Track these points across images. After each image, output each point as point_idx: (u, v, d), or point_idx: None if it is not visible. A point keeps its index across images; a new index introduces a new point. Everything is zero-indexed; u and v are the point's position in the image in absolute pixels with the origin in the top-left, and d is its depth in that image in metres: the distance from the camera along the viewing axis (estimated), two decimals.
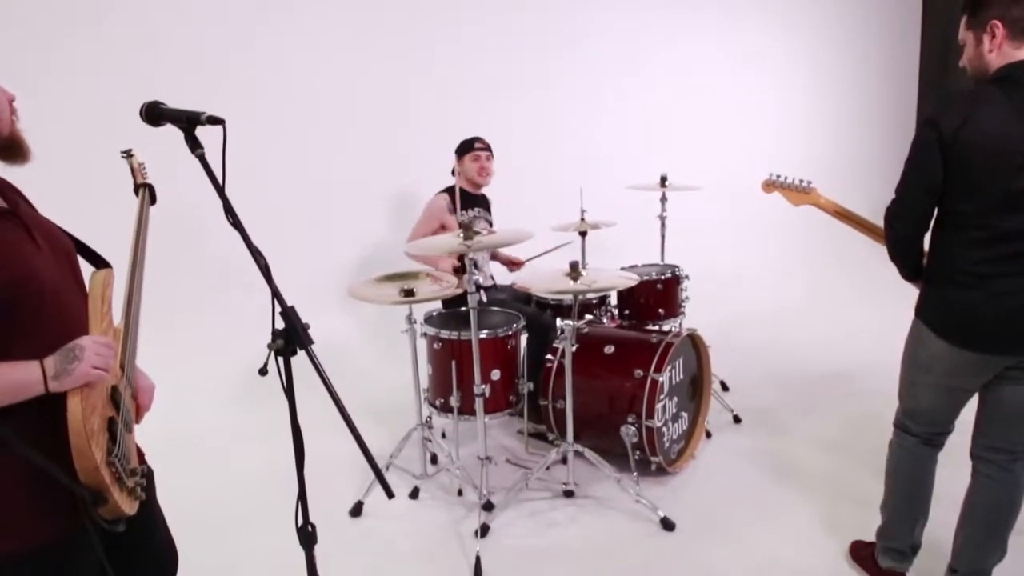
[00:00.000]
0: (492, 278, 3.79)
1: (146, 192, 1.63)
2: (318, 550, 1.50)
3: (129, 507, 1.31)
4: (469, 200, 3.60)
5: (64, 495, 1.23)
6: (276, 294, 1.34)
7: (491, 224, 3.70)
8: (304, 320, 1.35)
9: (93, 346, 1.25)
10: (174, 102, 1.43)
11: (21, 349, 1.21)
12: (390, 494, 1.36)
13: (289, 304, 1.35)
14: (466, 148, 3.61)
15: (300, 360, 1.35)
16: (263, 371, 1.38)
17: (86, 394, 1.22)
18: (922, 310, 2.08)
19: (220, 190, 1.36)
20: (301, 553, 1.47)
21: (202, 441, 3.49)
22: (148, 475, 1.50)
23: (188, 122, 1.38)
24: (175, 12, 3.79)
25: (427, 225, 3.54)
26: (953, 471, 2.31)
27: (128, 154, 1.68)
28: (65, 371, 1.21)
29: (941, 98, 2.13)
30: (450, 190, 3.56)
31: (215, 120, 1.37)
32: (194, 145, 1.38)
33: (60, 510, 1.25)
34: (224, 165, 1.37)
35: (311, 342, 1.34)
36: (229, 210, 1.35)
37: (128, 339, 1.42)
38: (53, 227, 1.39)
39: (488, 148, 3.63)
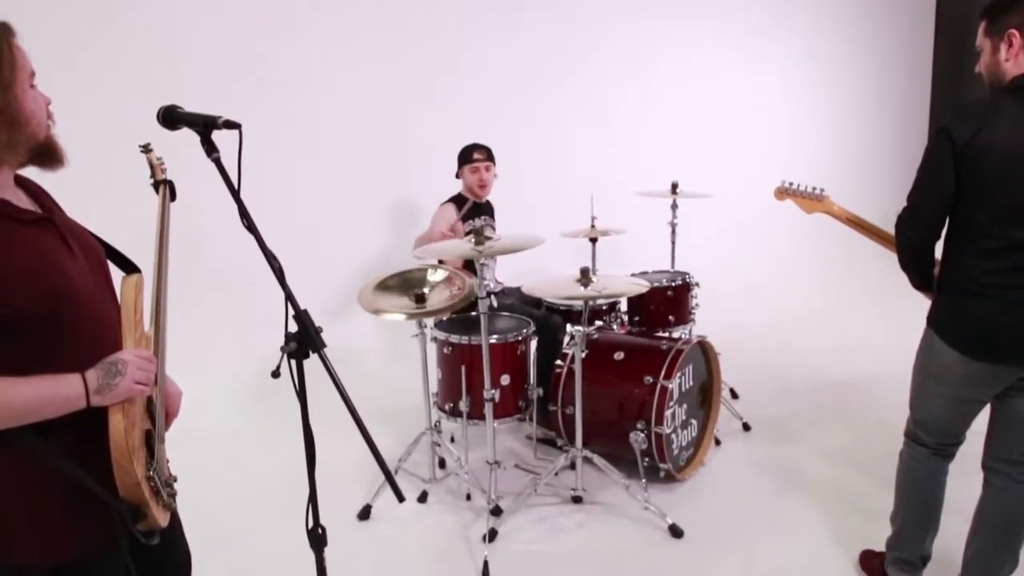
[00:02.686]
0: (499, 282, 3.79)
1: (166, 188, 1.58)
2: (326, 553, 1.50)
3: (164, 519, 1.31)
4: (474, 209, 3.57)
5: (95, 508, 1.21)
6: (290, 297, 1.34)
7: (495, 230, 3.68)
8: (317, 323, 1.35)
9: (135, 360, 1.23)
10: (190, 106, 1.44)
11: (60, 361, 1.19)
12: (401, 497, 1.36)
13: (302, 307, 1.35)
14: (465, 158, 3.53)
15: (312, 363, 1.36)
16: (276, 374, 1.38)
17: (127, 409, 1.20)
18: (934, 320, 2.07)
19: (235, 194, 1.36)
20: (310, 556, 1.48)
21: (213, 443, 3.49)
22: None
23: (204, 126, 1.39)
24: (194, 20, 3.84)
25: (437, 228, 3.52)
26: (964, 481, 2.29)
27: (146, 148, 1.63)
28: (108, 386, 1.19)
29: (955, 107, 2.12)
30: (455, 199, 3.56)
31: (231, 124, 1.37)
32: (210, 149, 1.38)
33: (91, 523, 1.23)
34: (240, 169, 1.37)
35: (324, 345, 1.34)
36: (244, 214, 1.36)
37: (159, 346, 1.39)
38: (85, 233, 1.37)
39: (487, 156, 3.52)
